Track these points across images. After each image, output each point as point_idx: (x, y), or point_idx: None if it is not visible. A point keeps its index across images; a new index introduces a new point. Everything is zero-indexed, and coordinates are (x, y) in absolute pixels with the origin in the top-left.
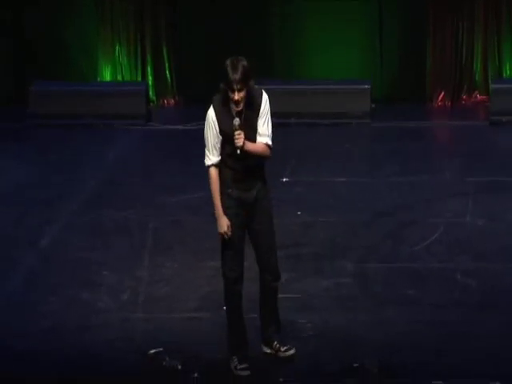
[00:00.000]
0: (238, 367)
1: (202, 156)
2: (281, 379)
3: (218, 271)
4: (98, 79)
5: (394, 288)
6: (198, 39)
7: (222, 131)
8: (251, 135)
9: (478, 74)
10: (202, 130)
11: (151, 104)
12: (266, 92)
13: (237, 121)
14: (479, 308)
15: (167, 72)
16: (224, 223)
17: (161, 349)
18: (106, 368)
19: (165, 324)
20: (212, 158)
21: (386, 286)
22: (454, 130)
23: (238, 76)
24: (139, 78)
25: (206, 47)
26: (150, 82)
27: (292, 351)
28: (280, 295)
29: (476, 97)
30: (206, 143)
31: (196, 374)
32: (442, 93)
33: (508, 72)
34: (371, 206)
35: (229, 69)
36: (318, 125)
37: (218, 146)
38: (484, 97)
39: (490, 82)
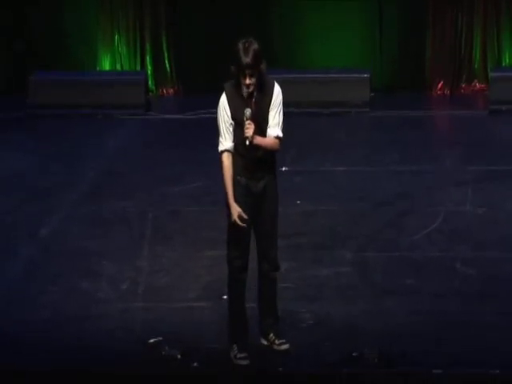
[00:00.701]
0: (238, 356)
1: (201, 145)
2: (280, 368)
3: (217, 261)
4: (98, 69)
5: (393, 277)
6: (198, 28)
7: (233, 116)
8: (262, 126)
9: (477, 62)
10: (202, 119)
11: (150, 93)
12: None
13: (248, 111)
14: (479, 297)
15: (166, 61)
16: (235, 211)
17: (160, 338)
18: (106, 357)
19: (164, 314)
20: (225, 143)
21: (386, 275)
22: (454, 118)
23: (249, 60)
24: (138, 68)
25: (206, 36)
26: (150, 72)
27: (286, 346)
28: (280, 284)
29: (475, 85)
30: (219, 129)
31: (195, 364)
32: (442, 82)
33: (507, 61)
34: (371, 195)
35: (240, 52)
36: (317, 114)
37: (231, 130)
38: (483, 85)
39: (489, 70)
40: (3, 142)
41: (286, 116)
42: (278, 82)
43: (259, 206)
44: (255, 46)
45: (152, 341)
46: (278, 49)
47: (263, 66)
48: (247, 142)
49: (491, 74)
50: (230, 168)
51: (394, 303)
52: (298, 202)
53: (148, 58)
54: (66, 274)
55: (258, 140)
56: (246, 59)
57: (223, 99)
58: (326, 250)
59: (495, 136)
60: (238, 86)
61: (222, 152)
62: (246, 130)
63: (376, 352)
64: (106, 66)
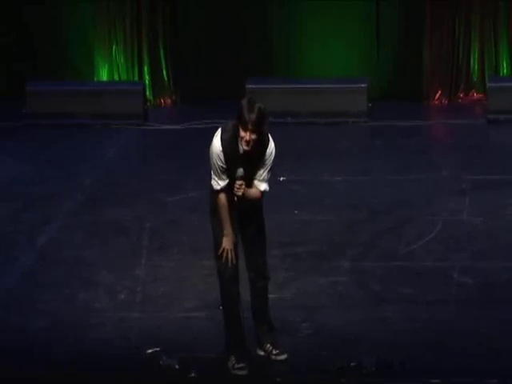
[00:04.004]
0: (236, 366)
1: (199, 155)
2: (278, 379)
3: (215, 270)
4: (95, 79)
5: (391, 286)
6: (195, 38)
7: (226, 164)
8: (251, 177)
9: (475, 72)
10: (199, 129)
11: (148, 103)
12: (264, 92)
13: (241, 171)
14: (477, 306)
15: (164, 71)
16: (232, 242)
17: (158, 348)
18: (103, 367)
19: (162, 323)
20: (220, 182)
21: (384, 284)
22: (451, 128)
23: (254, 116)
24: (136, 78)
25: (204, 46)
26: (147, 82)
27: (284, 356)
28: (277, 294)
29: (473, 95)
30: (213, 168)
31: (193, 374)
32: (439, 91)
33: (505, 70)
34: (369, 204)
35: (244, 108)
36: (315, 124)
37: (224, 171)
38: (481, 95)
39: (486, 80)
40: (1, 151)
41: (284, 126)
42: (275, 92)
43: (244, 216)
44: (260, 105)
45: (150, 351)
46: (276, 58)
47: (265, 128)
48: (235, 198)
49: (489, 84)
50: (226, 204)
51: (392, 312)
52: (296, 211)
53: (146, 68)
54: (64, 283)
55: (246, 192)
56: (251, 115)
57: (218, 147)
58: (324, 259)
59: (493, 145)
60: (235, 137)
61: (218, 191)
62: (237, 190)
63: (374, 361)
64: (104, 76)
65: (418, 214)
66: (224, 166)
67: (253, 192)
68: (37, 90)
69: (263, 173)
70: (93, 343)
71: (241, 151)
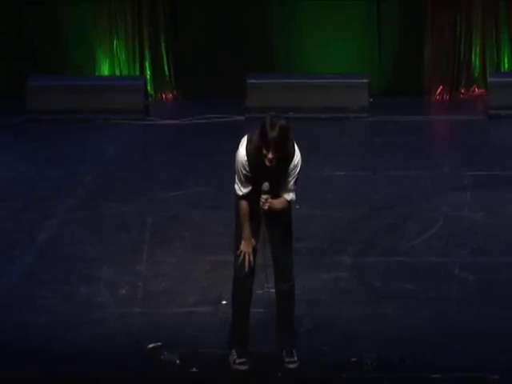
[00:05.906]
0: (237, 361)
1: (201, 150)
2: (279, 373)
3: (217, 266)
4: (96, 74)
5: (392, 282)
6: (196, 33)
7: (251, 172)
8: (277, 187)
9: (477, 67)
10: (201, 124)
11: (149, 98)
12: (265, 87)
13: (266, 186)
14: (477, 302)
15: (165, 66)
16: (250, 246)
17: (159, 343)
18: (105, 363)
19: (163, 318)
20: (243, 189)
21: (385, 280)
22: (453, 123)
23: (275, 135)
24: (137, 73)
25: (205, 42)
26: (148, 77)
27: (293, 365)
28: None
29: (474, 90)
30: (237, 175)
31: (194, 368)
32: (440, 86)
33: (506, 65)
34: (370, 200)
35: (267, 126)
36: (316, 119)
37: (249, 178)
38: (482, 90)
39: (488, 75)
40: (1, 148)
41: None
42: (275, 87)
43: (272, 219)
44: (283, 122)
45: (151, 346)
46: (276, 58)
47: (289, 144)
48: (261, 212)
49: (490, 79)
50: (247, 210)
51: (392, 308)
52: (298, 206)
53: (147, 63)
54: (65, 279)
55: (272, 205)
56: (273, 133)
57: (243, 156)
58: (325, 255)
59: (494, 141)
60: (260, 149)
61: (241, 197)
62: (263, 205)
63: (375, 357)
64: (105, 71)
65: (419, 210)
66: (248, 175)
67: (279, 203)
68: (38, 86)
69: (289, 183)
70: (94, 339)
71: (266, 163)
